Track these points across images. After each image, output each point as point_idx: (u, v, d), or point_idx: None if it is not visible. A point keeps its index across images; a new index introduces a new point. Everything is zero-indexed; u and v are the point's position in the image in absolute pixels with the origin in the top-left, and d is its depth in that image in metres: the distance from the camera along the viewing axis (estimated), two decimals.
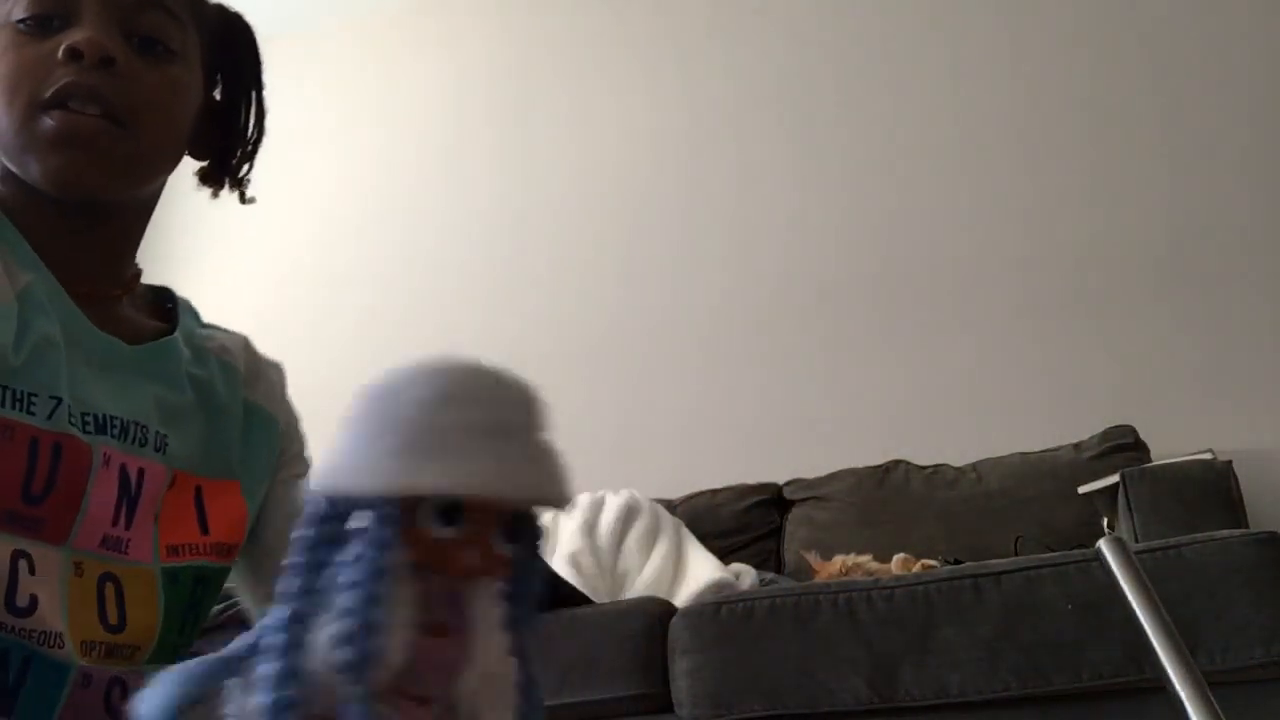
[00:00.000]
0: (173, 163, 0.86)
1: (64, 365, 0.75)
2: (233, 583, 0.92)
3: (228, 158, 0.92)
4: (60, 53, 0.76)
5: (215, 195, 0.94)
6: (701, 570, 2.27)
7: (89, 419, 0.76)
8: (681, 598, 2.14)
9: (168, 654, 0.81)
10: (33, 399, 0.72)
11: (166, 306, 0.91)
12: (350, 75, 3.71)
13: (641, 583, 2.24)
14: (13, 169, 0.79)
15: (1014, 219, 2.89)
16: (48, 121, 0.76)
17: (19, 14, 0.78)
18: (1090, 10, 2.93)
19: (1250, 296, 2.65)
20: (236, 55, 0.91)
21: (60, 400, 0.74)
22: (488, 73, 3.51)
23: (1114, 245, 2.78)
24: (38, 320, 0.74)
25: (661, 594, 2.17)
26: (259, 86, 0.93)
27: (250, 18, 0.93)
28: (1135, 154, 2.81)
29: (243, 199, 0.94)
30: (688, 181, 3.21)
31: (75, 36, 0.76)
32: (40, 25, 0.78)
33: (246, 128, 0.92)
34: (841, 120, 3.10)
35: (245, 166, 0.93)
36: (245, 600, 0.94)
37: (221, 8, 0.90)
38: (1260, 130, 2.72)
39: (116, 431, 0.78)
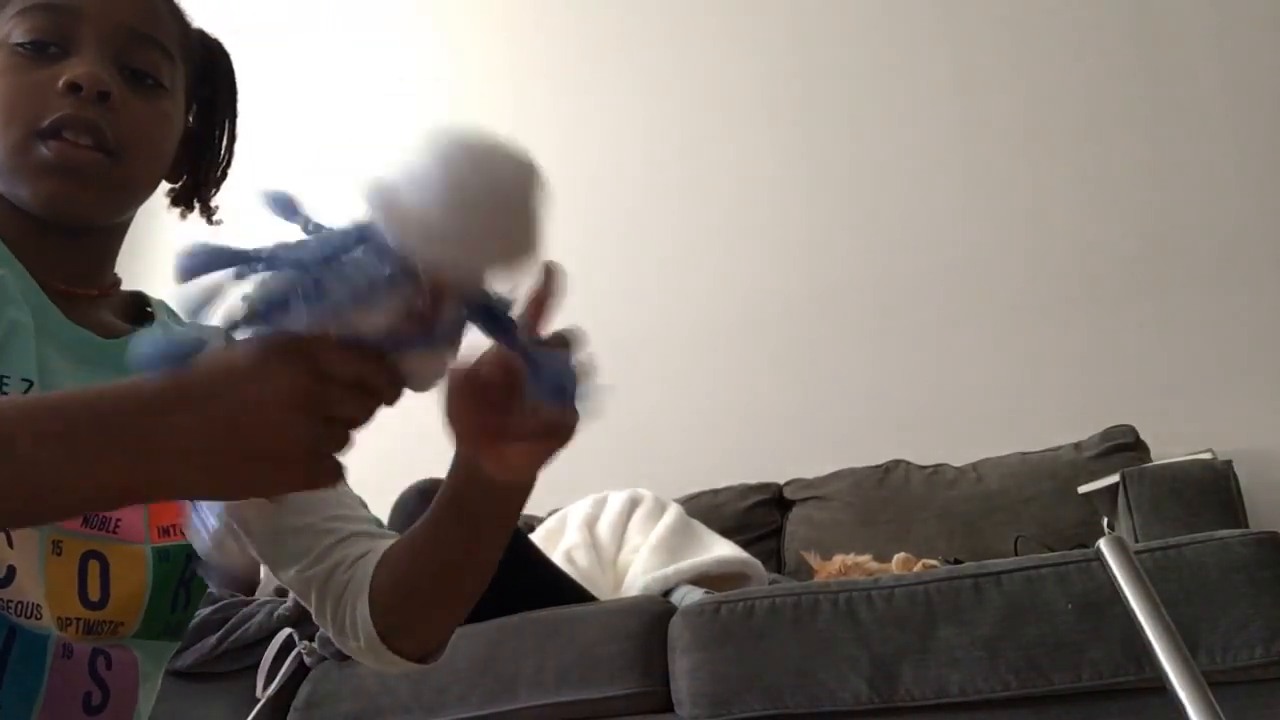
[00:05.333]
0: (154, 188, 0.90)
1: (34, 352, 0.78)
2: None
3: (199, 181, 0.96)
4: (60, 85, 0.79)
5: (184, 217, 0.98)
6: (725, 547, 2.24)
7: None
8: (701, 560, 2.13)
9: (155, 629, 0.85)
10: (5, 380, 0.75)
11: (146, 310, 0.94)
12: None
13: (648, 548, 2.20)
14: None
15: (1014, 219, 2.89)
16: (43, 150, 0.78)
17: (18, 38, 0.80)
18: (1089, 16, 2.92)
19: (1250, 296, 2.65)
20: (215, 85, 0.95)
21: (32, 383, 0.76)
22: (486, 76, 3.51)
23: (1114, 245, 2.78)
24: (8, 309, 0.77)
25: (671, 554, 2.15)
26: (234, 115, 0.97)
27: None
28: (1134, 154, 2.81)
29: (210, 220, 0.98)
30: (688, 181, 3.21)
31: (75, 68, 0.79)
32: (38, 50, 0.80)
33: (219, 154, 0.96)
34: (841, 121, 3.10)
35: (214, 190, 0.97)
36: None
37: (203, 34, 0.94)
38: (1260, 131, 2.72)
39: None
